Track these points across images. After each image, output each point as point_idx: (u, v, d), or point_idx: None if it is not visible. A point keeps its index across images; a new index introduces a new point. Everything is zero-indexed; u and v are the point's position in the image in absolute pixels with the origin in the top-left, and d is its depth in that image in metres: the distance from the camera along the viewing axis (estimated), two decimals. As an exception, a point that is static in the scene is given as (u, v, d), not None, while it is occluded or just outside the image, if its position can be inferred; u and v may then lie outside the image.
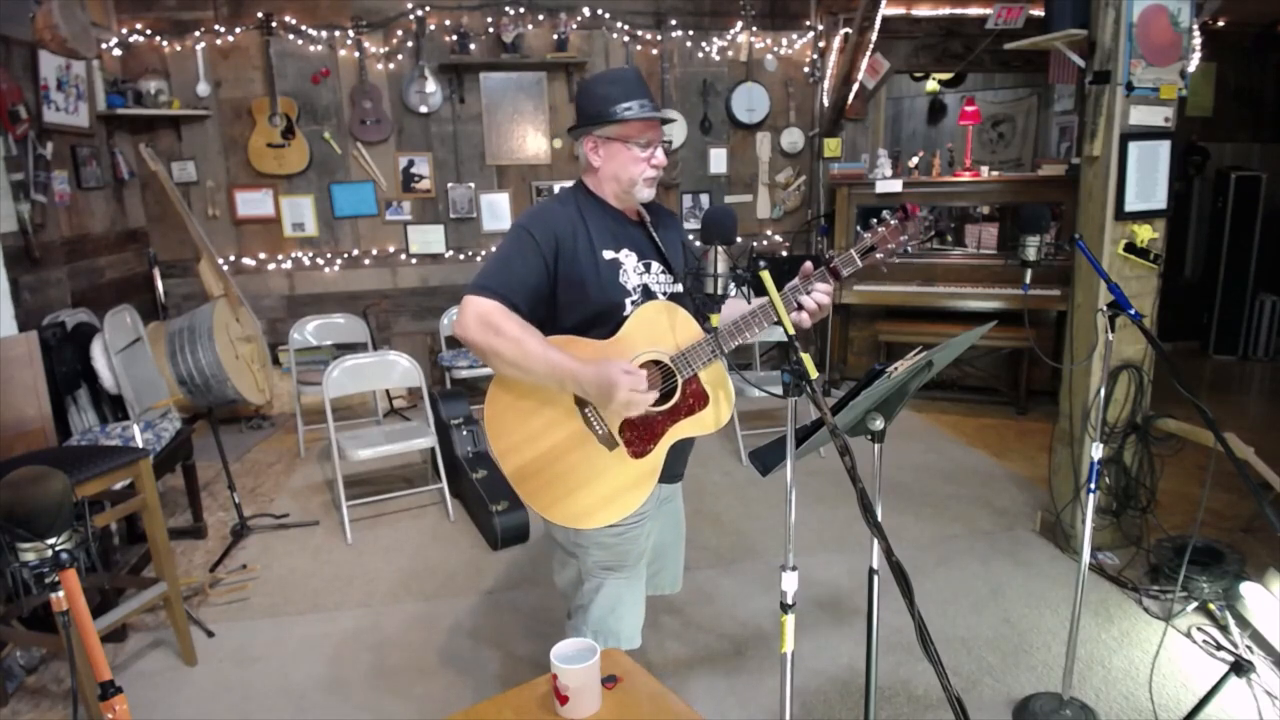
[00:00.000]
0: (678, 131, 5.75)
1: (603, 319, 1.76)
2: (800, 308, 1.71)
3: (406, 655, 2.72)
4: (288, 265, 5.44)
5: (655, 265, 1.86)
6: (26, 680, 2.61)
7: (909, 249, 1.70)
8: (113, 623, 2.52)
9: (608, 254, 1.79)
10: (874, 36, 5.13)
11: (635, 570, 1.90)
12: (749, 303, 1.70)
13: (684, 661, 2.64)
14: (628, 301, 1.79)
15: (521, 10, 5.35)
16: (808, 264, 1.73)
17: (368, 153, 5.39)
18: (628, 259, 1.81)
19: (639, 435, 1.74)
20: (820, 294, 1.71)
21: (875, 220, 1.71)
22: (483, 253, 5.65)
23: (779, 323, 1.46)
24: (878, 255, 1.70)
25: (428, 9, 5.24)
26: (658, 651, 2.68)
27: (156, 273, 5.11)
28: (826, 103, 5.80)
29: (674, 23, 5.61)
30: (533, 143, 5.59)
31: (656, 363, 1.76)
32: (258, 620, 2.96)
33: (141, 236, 5.15)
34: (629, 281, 1.80)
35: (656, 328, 1.75)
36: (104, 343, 3.53)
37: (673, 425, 1.77)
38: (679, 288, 1.88)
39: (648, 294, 1.82)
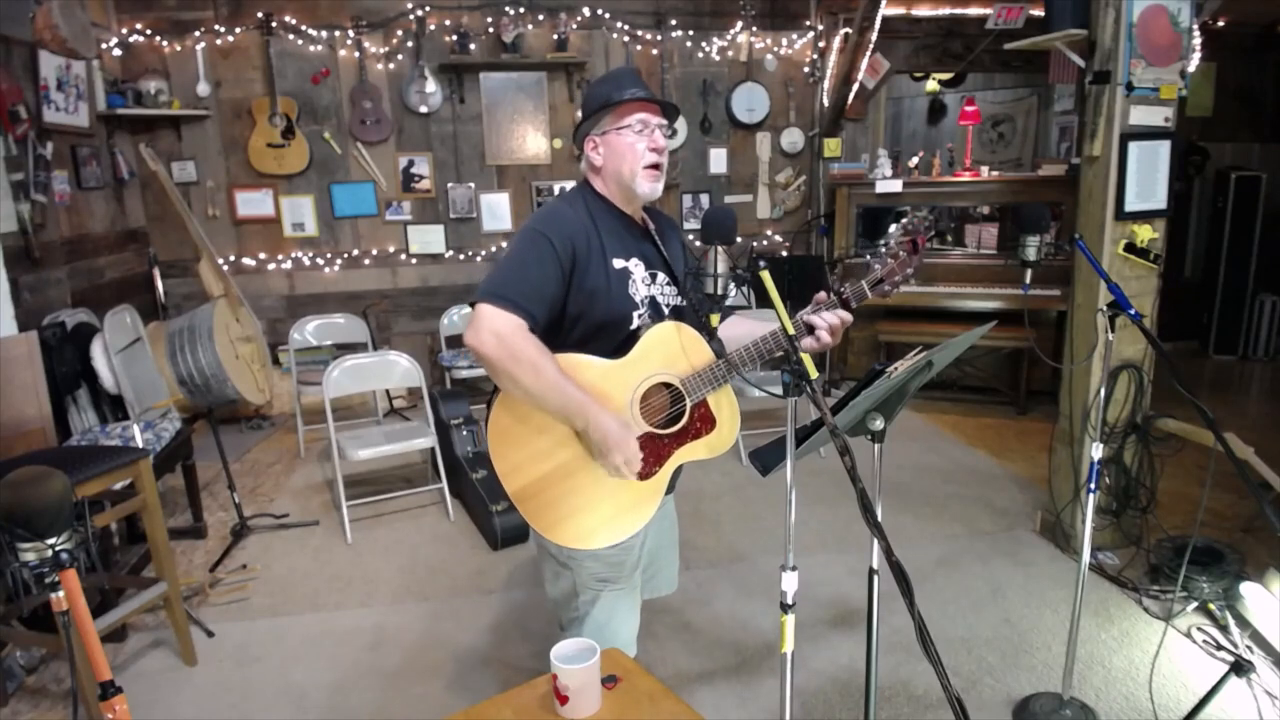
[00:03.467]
0: (679, 116, 5.74)
1: (609, 331, 1.73)
2: (811, 330, 1.68)
3: (406, 655, 2.72)
4: (288, 265, 5.44)
5: (661, 276, 1.83)
6: (26, 680, 2.61)
7: (911, 281, 1.72)
8: (113, 623, 2.52)
9: (618, 263, 1.74)
10: (874, 36, 5.13)
11: (630, 581, 1.87)
12: (749, 303, 1.70)
13: (684, 661, 2.64)
14: (634, 314, 1.75)
15: (521, 10, 5.35)
16: (821, 294, 1.71)
17: (368, 153, 5.39)
18: (636, 269, 1.77)
19: (647, 457, 1.71)
20: (831, 316, 1.67)
21: (884, 249, 1.70)
22: (483, 253, 5.66)
23: (780, 322, 1.46)
24: (885, 288, 1.70)
25: (428, 9, 5.24)
26: (657, 652, 2.68)
27: (156, 273, 5.11)
28: (826, 103, 5.80)
29: (674, 23, 5.61)
30: (533, 143, 5.59)
31: (667, 385, 1.73)
32: (258, 620, 2.96)
33: (141, 236, 5.15)
34: (637, 293, 1.76)
35: (669, 349, 1.72)
36: (104, 343, 3.54)
37: (680, 448, 1.75)
38: (682, 302, 1.86)
39: (654, 306, 1.79)
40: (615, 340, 1.72)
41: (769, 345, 1.67)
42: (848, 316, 1.68)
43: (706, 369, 1.71)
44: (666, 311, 1.82)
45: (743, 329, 1.82)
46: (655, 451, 1.73)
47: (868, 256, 1.74)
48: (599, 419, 1.61)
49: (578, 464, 1.70)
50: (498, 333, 1.56)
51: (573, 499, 1.71)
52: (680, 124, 5.76)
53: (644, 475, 1.73)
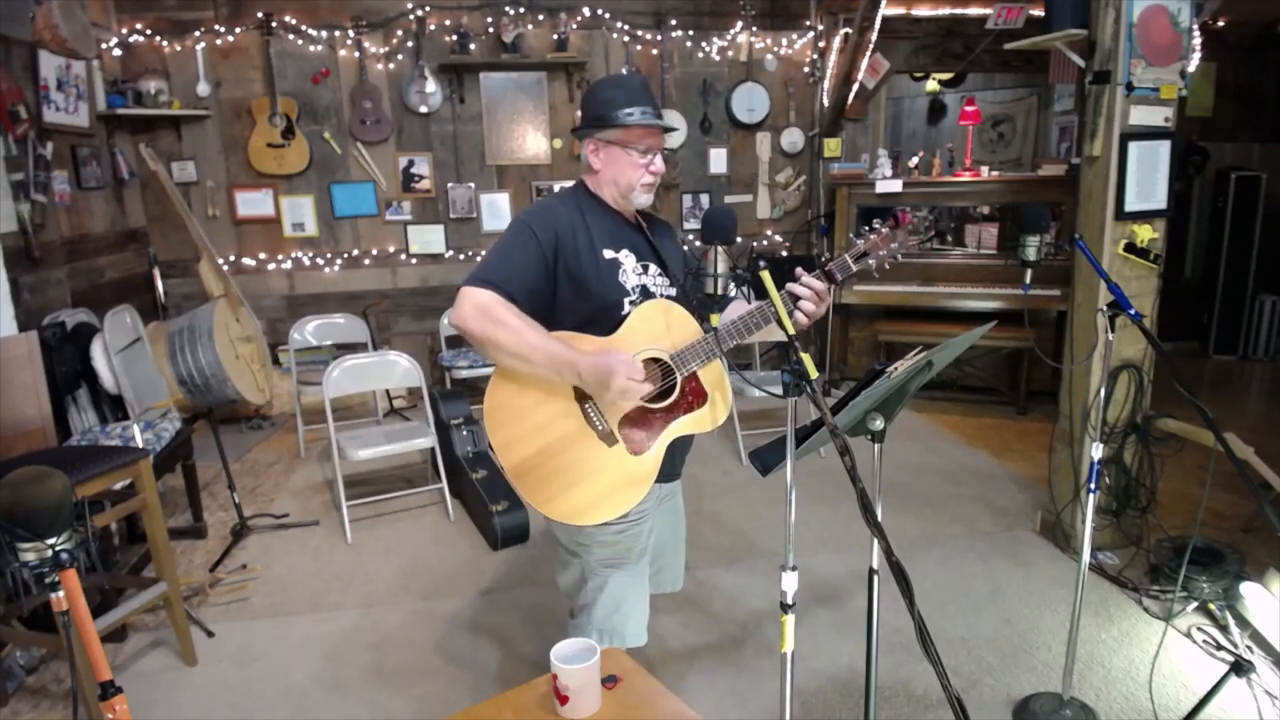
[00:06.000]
0: (678, 131, 5.75)
1: (601, 317, 1.78)
2: (796, 300, 1.70)
3: (406, 655, 2.72)
4: (288, 265, 5.44)
5: (653, 267, 1.88)
6: (26, 680, 2.61)
7: (898, 256, 1.74)
8: (113, 623, 2.52)
9: (608, 253, 1.80)
10: (874, 36, 5.13)
11: (638, 567, 1.91)
12: (749, 303, 1.72)
13: (684, 661, 2.64)
14: (626, 301, 1.80)
15: (521, 10, 5.35)
16: (800, 270, 1.75)
17: (368, 153, 5.39)
18: (627, 259, 1.83)
19: (638, 432, 1.76)
20: (812, 280, 1.70)
21: (867, 227, 1.75)
22: (483, 253, 5.65)
23: (779, 322, 1.46)
24: (870, 261, 1.73)
25: (428, 9, 5.24)
26: (658, 651, 2.67)
27: (156, 273, 5.11)
28: (826, 103, 5.80)
29: (674, 23, 5.60)
30: (533, 143, 5.59)
31: (656, 360, 1.78)
32: (258, 620, 2.96)
33: (141, 236, 5.15)
34: (628, 281, 1.81)
35: (656, 326, 1.77)
36: (104, 343, 3.53)
37: (672, 422, 1.78)
38: (674, 291, 1.90)
39: (646, 294, 1.84)
40: (608, 327, 1.77)
41: (755, 319, 1.70)
42: (821, 286, 1.71)
43: (695, 343, 1.75)
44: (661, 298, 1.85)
45: (735, 311, 1.85)
46: (647, 426, 1.76)
47: (851, 236, 1.77)
48: (584, 361, 1.66)
49: (573, 439, 1.74)
50: (476, 304, 1.66)
51: (567, 474, 1.74)
52: (680, 124, 5.76)
53: (637, 450, 1.76)
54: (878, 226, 1.73)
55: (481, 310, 1.65)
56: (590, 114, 1.81)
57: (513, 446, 1.76)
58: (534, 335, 1.66)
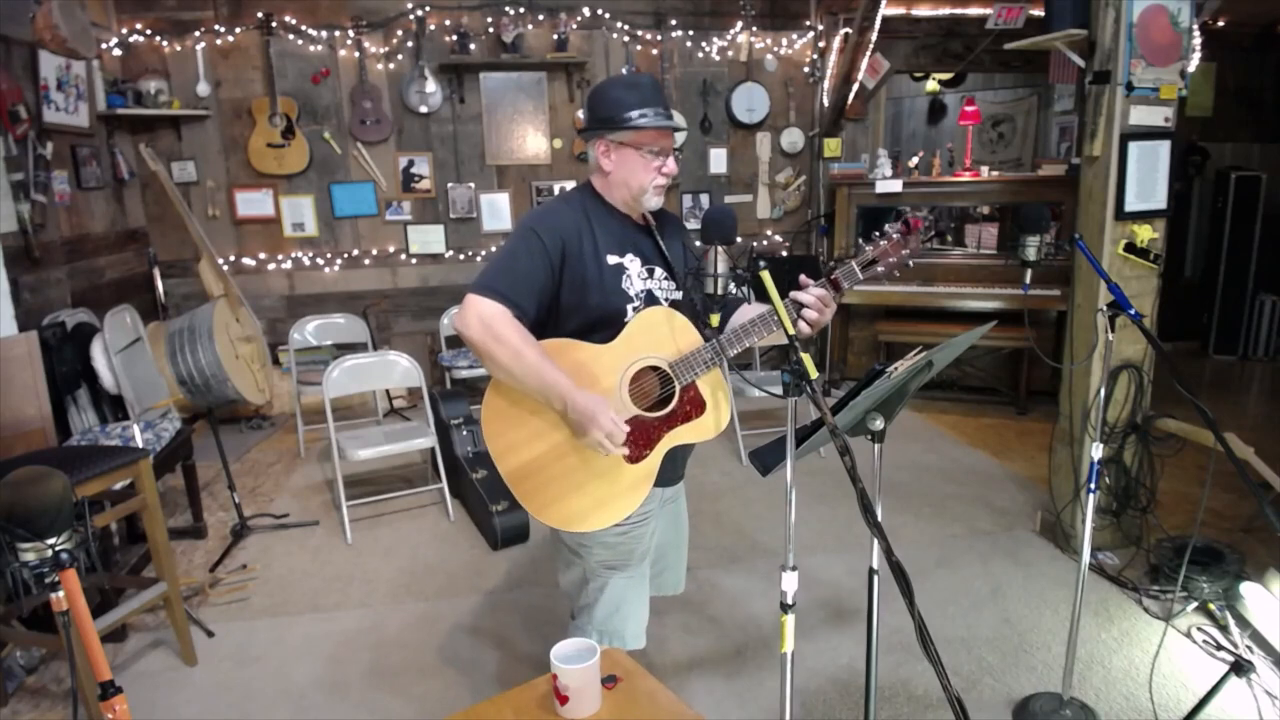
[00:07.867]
0: (678, 132, 5.75)
1: (604, 324, 1.76)
2: (800, 308, 1.70)
3: (406, 655, 2.72)
4: (288, 265, 5.44)
5: (659, 271, 1.86)
6: (26, 680, 2.61)
7: (910, 264, 1.71)
8: (113, 623, 2.52)
9: (612, 259, 1.78)
10: (874, 36, 5.13)
11: (639, 570, 1.91)
12: (750, 303, 1.71)
13: (684, 661, 2.64)
14: (629, 307, 1.78)
15: (521, 10, 5.35)
16: (805, 278, 1.73)
17: (368, 153, 5.39)
18: (632, 264, 1.81)
19: (636, 440, 1.74)
20: (817, 290, 1.69)
21: (877, 233, 1.70)
22: (483, 253, 5.66)
23: (780, 326, 1.46)
24: (879, 269, 1.70)
25: (428, 9, 5.24)
26: (658, 651, 2.67)
27: (156, 273, 5.11)
28: (826, 103, 5.80)
29: (674, 23, 5.60)
30: (533, 143, 5.59)
31: (655, 369, 1.75)
32: (258, 620, 2.96)
33: (141, 236, 5.15)
34: (632, 287, 1.80)
35: (657, 333, 1.75)
36: (104, 343, 3.53)
37: (670, 431, 1.77)
38: (680, 295, 1.88)
39: (651, 299, 1.82)
40: (610, 332, 1.76)
41: (757, 328, 1.70)
42: (826, 294, 1.69)
43: (695, 352, 1.74)
44: (664, 305, 1.84)
45: (739, 318, 1.84)
46: (645, 434, 1.75)
47: (860, 241, 1.74)
48: (575, 398, 1.64)
49: (570, 446, 1.73)
50: (482, 316, 1.65)
51: (564, 481, 1.73)
52: (681, 124, 5.76)
53: (634, 459, 1.74)
54: (888, 232, 1.69)
55: (486, 323, 1.64)
56: (599, 114, 1.78)
57: (511, 452, 1.75)
58: (532, 358, 1.64)
